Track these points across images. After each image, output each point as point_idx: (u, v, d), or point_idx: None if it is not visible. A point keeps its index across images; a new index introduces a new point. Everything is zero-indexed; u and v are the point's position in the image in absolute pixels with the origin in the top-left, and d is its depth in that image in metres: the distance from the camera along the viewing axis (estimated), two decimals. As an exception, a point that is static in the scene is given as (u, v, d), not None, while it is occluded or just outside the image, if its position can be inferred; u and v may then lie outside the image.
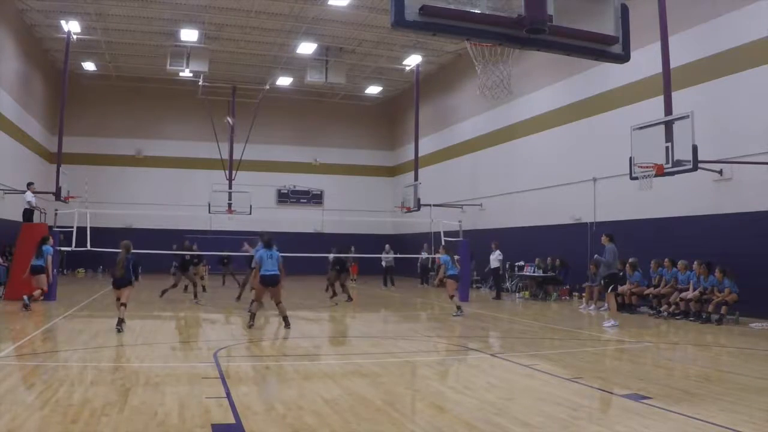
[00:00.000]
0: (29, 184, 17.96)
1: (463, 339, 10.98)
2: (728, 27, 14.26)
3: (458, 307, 14.02)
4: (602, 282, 13.56)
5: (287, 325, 11.30)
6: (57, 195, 21.27)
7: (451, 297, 14.23)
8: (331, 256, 18.89)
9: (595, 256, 14.26)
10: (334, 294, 18.06)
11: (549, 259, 19.07)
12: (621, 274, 14.58)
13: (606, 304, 13.64)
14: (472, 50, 11.75)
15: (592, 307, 15.70)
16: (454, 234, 20.06)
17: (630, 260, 15.28)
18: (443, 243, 16.25)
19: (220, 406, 5.56)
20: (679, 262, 14.10)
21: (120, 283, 10.76)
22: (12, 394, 5.88)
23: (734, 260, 13.11)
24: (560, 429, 5.09)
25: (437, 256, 15.41)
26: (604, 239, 13.00)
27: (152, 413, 5.25)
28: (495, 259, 19.43)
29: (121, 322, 10.40)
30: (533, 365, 7.89)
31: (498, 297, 19.13)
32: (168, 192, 30.47)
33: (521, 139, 22.51)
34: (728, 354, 9.47)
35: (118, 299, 10.70)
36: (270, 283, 11.43)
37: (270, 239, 11.83)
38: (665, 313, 13.84)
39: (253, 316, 11.48)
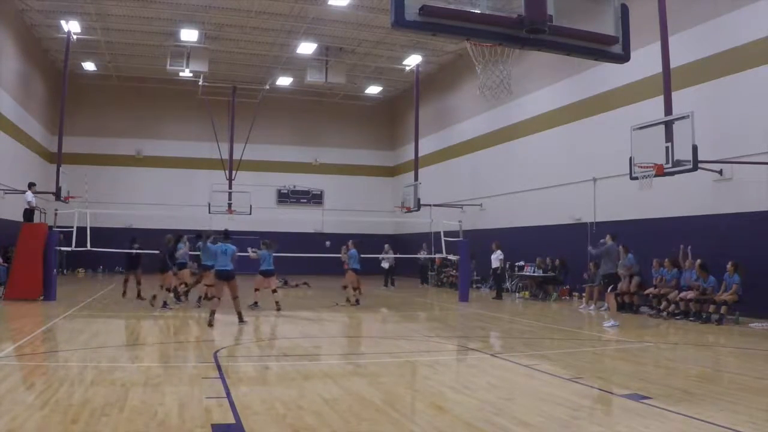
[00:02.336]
0: (30, 185, 17.97)
1: (463, 339, 10.97)
2: (728, 27, 14.25)
3: (347, 299, 15.80)
4: (602, 282, 13.57)
5: (241, 320, 11.75)
6: (57, 195, 21.25)
7: (344, 287, 16.08)
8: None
9: (588, 247, 14.25)
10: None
11: (548, 259, 19.07)
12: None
13: (606, 304, 13.66)
14: (472, 50, 11.77)
15: (592, 307, 15.70)
16: (454, 234, 20.05)
17: (621, 245, 14.95)
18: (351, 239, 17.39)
19: (220, 406, 5.56)
20: (685, 262, 14.06)
21: (164, 269, 13.89)
22: (12, 394, 5.87)
23: (734, 260, 13.08)
24: (560, 429, 5.08)
25: (345, 251, 16.97)
26: (607, 238, 13.05)
27: (152, 413, 5.24)
28: (495, 258, 19.44)
29: (165, 303, 13.56)
30: (533, 365, 7.89)
31: (498, 297, 19.12)
32: (168, 192, 30.46)
33: (521, 139, 22.51)
34: (728, 354, 9.47)
35: (162, 285, 13.84)
36: (226, 277, 11.81)
37: (227, 233, 12.30)
38: (665, 313, 13.84)
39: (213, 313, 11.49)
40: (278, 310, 13.95)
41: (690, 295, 13.37)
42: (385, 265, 23.89)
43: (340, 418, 5.26)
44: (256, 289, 14.68)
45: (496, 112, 23.38)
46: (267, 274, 14.66)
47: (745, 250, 13.19)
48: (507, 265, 20.84)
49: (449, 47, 25.36)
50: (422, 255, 24.54)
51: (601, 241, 12.86)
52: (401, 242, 30.29)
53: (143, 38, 25.32)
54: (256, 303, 14.41)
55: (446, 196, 26.01)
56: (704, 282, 13.29)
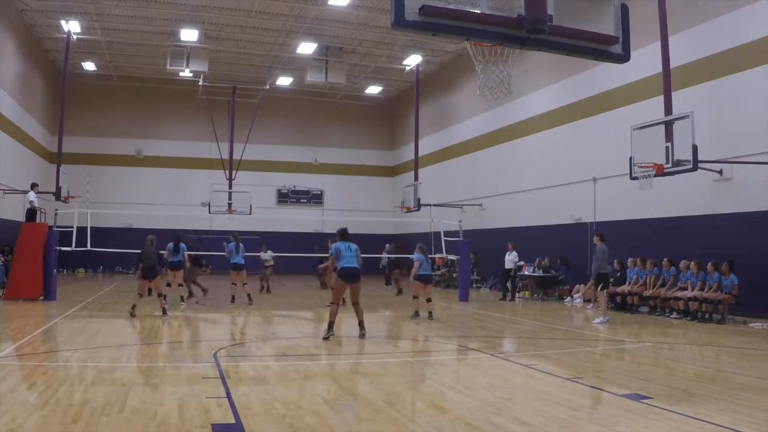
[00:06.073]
0: (33, 185, 17.97)
1: (463, 339, 10.97)
2: (728, 27, 14.25)
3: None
4: (593, 281, 13.61)
5: (363, 331, 10.13)
6: (57, 195, 21.27)
7: (180, 283, 15.21)
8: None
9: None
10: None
11: (547, 259, 19.05)
12: (618, 273, 14.66)
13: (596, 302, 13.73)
14: (472, 50, 11.80)
15: (590, 306, 15.69)
16: (454, 234, 20.05)
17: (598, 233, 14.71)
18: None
19: (220, 406, 5.56)
20: (682, 262, 14.08)
21: (152, 274, 12.46)
22: (12, 394, 5.87)
23: (734, 260, 13.09)
24: (560, 429, 5.08)
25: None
26: (596, 239, 13.13)
27: (152, 413, 5.24)
28: (510, 260, 19.16)
29: (164, 310, 12.37)
30: (533, 365, 7.89)
31: (504, 298, 18.82)
32: (168, 192, 30.47)
33: (521, 139, 22.50)
34: (728, 354, 9.47)
35: (149, 291, 12.59)
36: (350, 278, 10.12)
37: (345, 230, 10.80)
38: (665, 313, 13.84)
39: (331, 325, 10.05)
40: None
41: (689, 294, 13.38)
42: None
43: (340, 418, 5.26)
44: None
45: (496, 112, 23.38)
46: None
47: (745, 250, 13.19)
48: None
49: (449, 47, 25.35)
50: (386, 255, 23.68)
51: (598, 247, 12.90)
52: (401, 242, 30.23)
53: (143, 38, 25.31)
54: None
55: (446, 196, 25.99)
56: (705, 280, 13.29)
